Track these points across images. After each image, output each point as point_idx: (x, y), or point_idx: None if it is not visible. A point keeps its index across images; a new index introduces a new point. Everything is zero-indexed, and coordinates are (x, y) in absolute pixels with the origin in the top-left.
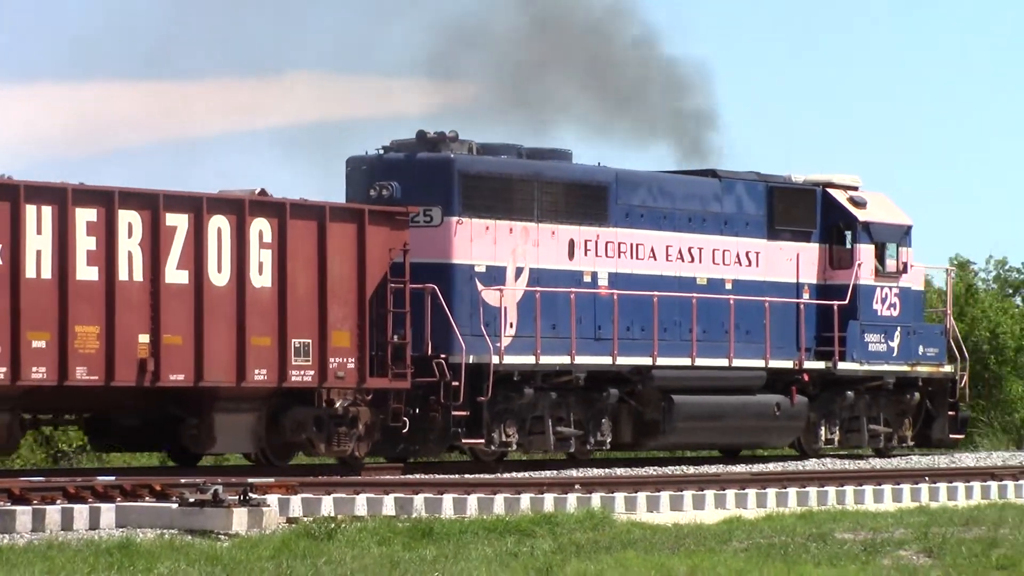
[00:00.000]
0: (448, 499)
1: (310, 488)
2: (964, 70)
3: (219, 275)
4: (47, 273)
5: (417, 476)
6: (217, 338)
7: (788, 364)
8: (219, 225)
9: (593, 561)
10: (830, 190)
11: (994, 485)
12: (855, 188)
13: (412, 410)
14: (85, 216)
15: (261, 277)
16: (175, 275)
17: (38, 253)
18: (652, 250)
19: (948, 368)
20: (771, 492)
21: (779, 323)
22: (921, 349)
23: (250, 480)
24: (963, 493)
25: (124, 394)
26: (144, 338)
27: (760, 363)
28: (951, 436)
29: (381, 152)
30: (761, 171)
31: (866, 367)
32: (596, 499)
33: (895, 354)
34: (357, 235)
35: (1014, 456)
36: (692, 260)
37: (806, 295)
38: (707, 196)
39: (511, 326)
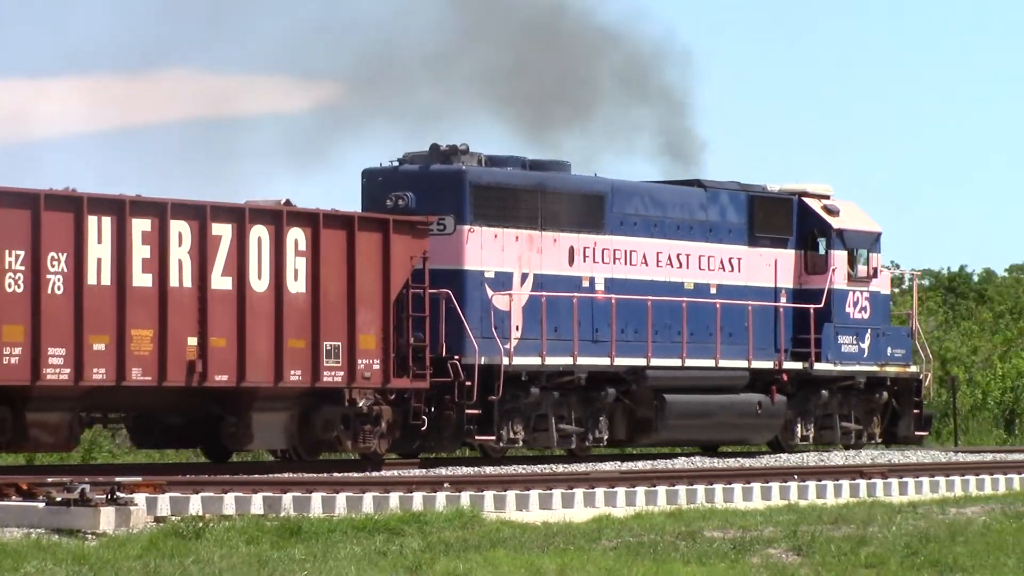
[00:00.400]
0: (316, 498)
1: (178, 487)
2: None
3: (259, 281)
4: (107, 280)
5: (286, 475)
6: (257, 341)
7: (768, 365)
8: (259, 234)
9: (462, 560)
10: (805, 199)
11: (863, 483)
12: (827, 197)
13: (428, 408)
14: (140, 226)
15: (296, 283)
16: (220, 281)
17: (99, 261)
18: (644, 256)
19: (914, 368)
20: (640, 491)
21: (760, 326)
22: (889, 350)
23: (117, 479)
24: (832, 491)
25: (173, 394)
26: (192, 341)
27: (743, 364)
28: (916, 433)
29: (396, 164)
30: (741, 181)
31: (840, 367)
32: (465, 498)
33: (866, 355)
34: (382, 243)
35: (883, 455)
36: (681, 266)
37: (784, 299)
38: (693, 205)
39: (517, 329)
